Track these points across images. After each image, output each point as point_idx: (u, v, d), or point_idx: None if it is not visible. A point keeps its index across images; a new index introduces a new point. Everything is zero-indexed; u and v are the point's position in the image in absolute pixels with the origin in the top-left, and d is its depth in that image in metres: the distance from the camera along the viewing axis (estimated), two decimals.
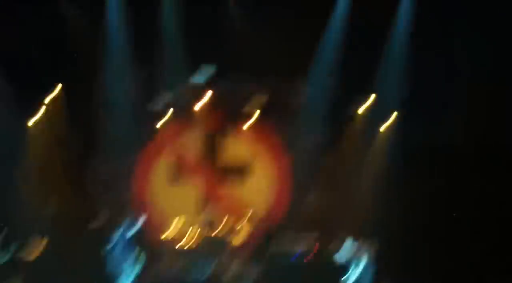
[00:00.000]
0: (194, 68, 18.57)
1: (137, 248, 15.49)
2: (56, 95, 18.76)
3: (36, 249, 16.98)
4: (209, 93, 19.01)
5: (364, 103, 18.80)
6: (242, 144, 19.97)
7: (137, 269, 15.23)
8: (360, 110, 18.98)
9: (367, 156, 19.28)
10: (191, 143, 20.03)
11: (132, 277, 15.17)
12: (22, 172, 18.64)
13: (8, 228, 15.63)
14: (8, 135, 18.07)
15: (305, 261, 17.17)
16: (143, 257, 15.57)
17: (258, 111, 19.15)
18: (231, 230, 18.27)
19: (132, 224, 16.18)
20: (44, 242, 17.00)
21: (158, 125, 19.58)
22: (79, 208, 18.17)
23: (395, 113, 18.92)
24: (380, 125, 19.13)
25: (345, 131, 19.32)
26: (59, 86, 18.73)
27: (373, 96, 18.75)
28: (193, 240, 18.17)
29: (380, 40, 18.32)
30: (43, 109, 18.90)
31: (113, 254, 15.36)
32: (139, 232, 16.33)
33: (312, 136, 19.20)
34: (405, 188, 18.04)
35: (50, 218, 17.22)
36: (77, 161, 19.29)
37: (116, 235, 15.68)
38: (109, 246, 15.45)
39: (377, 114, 18.88)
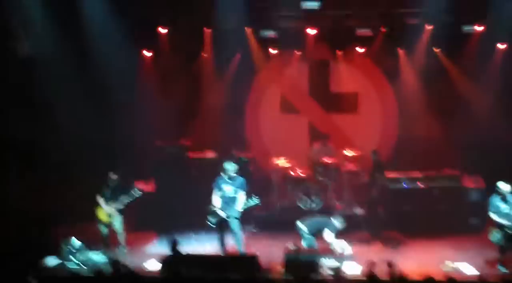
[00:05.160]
0: None
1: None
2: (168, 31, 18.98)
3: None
4: (319, 21, 18.73)
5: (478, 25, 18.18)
6: (353, 72, 19.81)
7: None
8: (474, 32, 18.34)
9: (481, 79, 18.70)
10: (302, 70, 20.06)
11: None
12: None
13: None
14: (125, 63, 18.48)
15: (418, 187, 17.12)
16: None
17: (368, 39, 18.81)
18: (343, 159, 18.30)
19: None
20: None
21: (270, 53, 19.62)
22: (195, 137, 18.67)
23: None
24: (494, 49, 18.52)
25: (457, 54, 18.79)
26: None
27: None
28: (305, 170, 18.37)
29: None
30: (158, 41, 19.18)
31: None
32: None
33: (423, 61, 18.90)
34: None
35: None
36: (190, 93, 19.76)
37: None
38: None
39: (492, 37, 18.23)
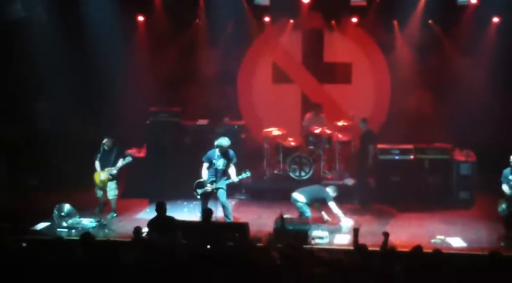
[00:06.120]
0: None
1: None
2: None
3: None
4: None
5: None
6: (347, 42, 19.72)
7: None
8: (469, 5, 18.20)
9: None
10: (296, 39, 19.96)
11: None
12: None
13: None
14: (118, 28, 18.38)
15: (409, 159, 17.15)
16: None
17: (362, 9, 18.73)
18: (335, 129, 18.28)
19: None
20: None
21: (264, 21, 19.52)
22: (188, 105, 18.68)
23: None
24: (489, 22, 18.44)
25: (452, 27, 18.68)
26: None
27: None
28: (297, 139, 18.38)
29: None
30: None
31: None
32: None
33: (417, 33, 18.80)
34: None
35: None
36: (183, 59, 19.61)
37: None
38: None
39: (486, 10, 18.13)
